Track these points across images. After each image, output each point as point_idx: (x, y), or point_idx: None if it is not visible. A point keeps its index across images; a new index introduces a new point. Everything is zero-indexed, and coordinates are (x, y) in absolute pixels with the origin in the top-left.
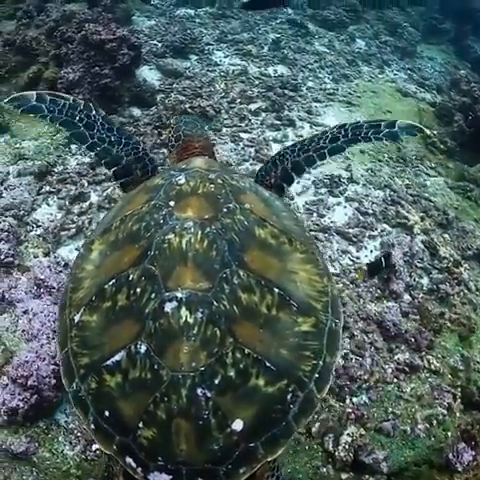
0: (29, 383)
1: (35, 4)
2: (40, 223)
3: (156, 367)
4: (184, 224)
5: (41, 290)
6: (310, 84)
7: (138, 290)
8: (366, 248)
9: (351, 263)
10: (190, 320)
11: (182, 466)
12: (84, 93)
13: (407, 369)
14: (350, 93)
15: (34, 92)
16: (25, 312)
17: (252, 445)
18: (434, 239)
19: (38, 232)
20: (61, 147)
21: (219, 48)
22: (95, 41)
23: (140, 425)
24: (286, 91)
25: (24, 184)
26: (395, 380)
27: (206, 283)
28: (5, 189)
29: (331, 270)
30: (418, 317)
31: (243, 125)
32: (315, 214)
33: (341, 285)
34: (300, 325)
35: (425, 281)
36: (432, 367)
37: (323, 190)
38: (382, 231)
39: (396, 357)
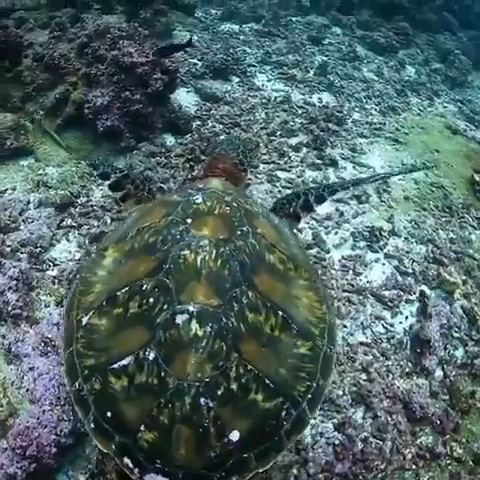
0: (28, 452)
1: (70, 14)
2: (57, 262)
3: (163, 374)
4: (200, 242)
5: (48, 348)
6: (356, 116)
7: (151, 300)
8: (402, 313)
9: (384, 331)
10: (199, 333)
11: (179, 470)
12: (113, 119)
13: (428, 455)
14: (397, 128)
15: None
16: (31, 369)
17: (246, 456)
18: (474, 307)
19: (53, 273)
20: (86, 176)
21: (262, 70)
22: (126, 64)
23: (142, 428)
24: (330, 124)
25: (44, 216)
26: (414, 467)
27: (217, 300)
28: (23, 221)
29: (362, 339)
30: (448, 397)
31: (282, 162)
32: (351, 272)
33: (371, 357)
34: (299, 348)
35: (460, 353)
36: (454, 454)
37: (362, 244)
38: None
39: (418, 441)
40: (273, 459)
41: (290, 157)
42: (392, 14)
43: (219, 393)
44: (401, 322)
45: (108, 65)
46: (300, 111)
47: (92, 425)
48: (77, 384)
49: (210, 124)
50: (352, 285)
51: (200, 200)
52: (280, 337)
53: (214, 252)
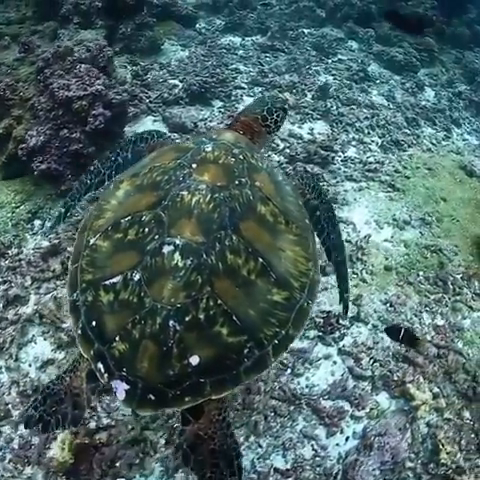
0: None
1: (52, 28)
2: None
3: (142, 294)
4: (198, 185)
5: None
6: (350, 152)
7: (146, 230)
8: (342, 432)
9: (311, 456)
10: (180, 264)
11: (140, 380)
12: (49, 161)
13: None
14: (397, 170)
15: (61, 209)
16: None
17: (202, 381)
18: (441, 432)
19: None
20: (22, 223)
21: (251, 93)
22: (61, 98)
23: (117, 338)
24: (310, 166)
25: None
26: None
27: (201, 238)
28: None
29: (278, 464)
30: None
31: None
32: (288, 371)
33: None
34: (273, 295)
35: None
36: None
37: (312, 333)
38: (373, 408)
39: None
40: (227, 390)
41: None
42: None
43: (187, 319)
44: (338, 444)
45: (47, 98)
46: (282, 145)
47: (79, 331)
48: (75, 295)
49: None
50: (284, 391)
51: (209, 149)
52: (256, 281)
53: (209, 196)
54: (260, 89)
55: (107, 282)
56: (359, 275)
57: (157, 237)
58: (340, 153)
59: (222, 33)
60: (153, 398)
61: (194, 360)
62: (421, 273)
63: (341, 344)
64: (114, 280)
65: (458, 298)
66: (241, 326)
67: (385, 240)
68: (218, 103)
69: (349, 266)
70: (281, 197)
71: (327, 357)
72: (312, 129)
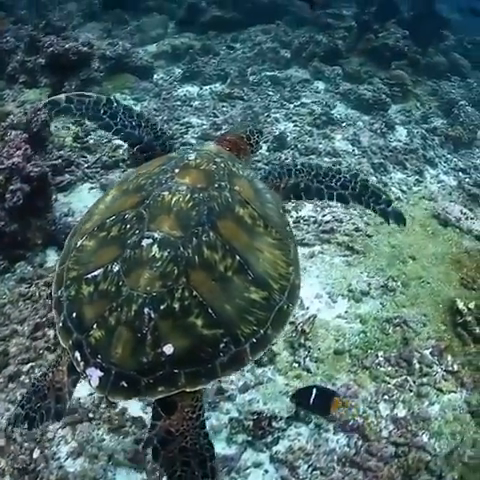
0: None
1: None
2: None
3: (120, 284)
4: (179, 187)
5: None
6: (304, 211)
7: (128, 226)
8: None
9: None
10: (157, 255)
11: (113, 367)
12: None
13: None
14: (358, 228)
15: (63, 95)
16: None
17: (176, 371)
18: None
19: None
20: None
21: None
22: None
23: (94, 326)
24: None
25: None
26: None
27: (179, 232)
28: None
29: None
30: None
31: None
32: None
33: None
34: (250, 293)
35: None
36: None
37: (240, 438)
38: None
39: None
40: (202, 384)
41: None
42: (389, 61)
43: (162, 307)
44: None
45: None
46: None
47: (60, 324)
48: (59, 292)
49: None
50: None
51: (192, 157)
52: (233, 278)
53: (188, 196)
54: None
55: (89, 276)
56: (301, 364)
57: (137, 232)
58: (292, 212)
59: (180, 83)
60: (126, 385)
61: (168, 349)
62: (380, 353)
63: (274, 450)
64: (95, 273)
65: (425, 380)
66: (216, 319)
67: (338, 316)
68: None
69: (291, 353)
70: (261, 203)
71: (257, 465)
72: None
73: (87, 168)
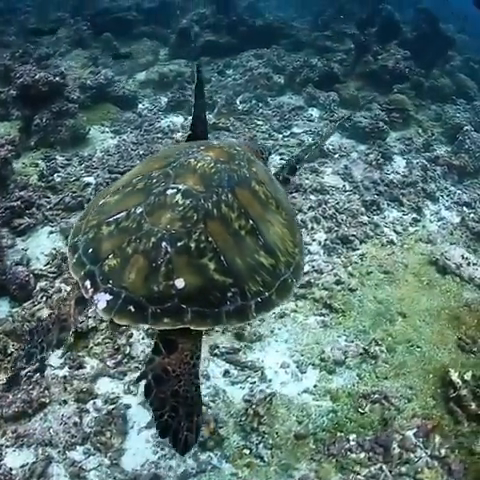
0: None
1: None
2: None
3: (142, 221)
4: (204, 157)
5: None
6: None
7: (154, 181)
8: None
9: None
10: (180, 201)
11: (124, 291)
12: None
13: None
14: (339, 280)
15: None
16: None
17: (184, 306)
18: None
19: None
20: None
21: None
22: None
23: (110, 256)
24: None
25: None
26: None
27: (202, 188)
28: None
29: None
30: None
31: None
32: None
33: None
34: (260, 256)
35: None
36: None
37: None
38: None
39: None
40: (207, 325)
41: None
42: (389, 84)
43: (178, 244)
44: None
45: None
46: None
47: (74, 260)
48: (76, 238)
49: (57, 285)
50: None
51: (216, 142)
52: (245, 238)
53: (212, 164)
54: None
55: (111, 219)
56: (253, 451)
57: (163, 184)
58: None
59: (165, 113)
60: (133, 310)
61: (179, 283)
62: (352, 437)
63: None
64: (118, 216)
65: (404, 469)
66: (227, 268)
67: (305, 391)
68: None
69: (241, 438)
70: (274, 188)
71: None
72: None
73: (48, 210)
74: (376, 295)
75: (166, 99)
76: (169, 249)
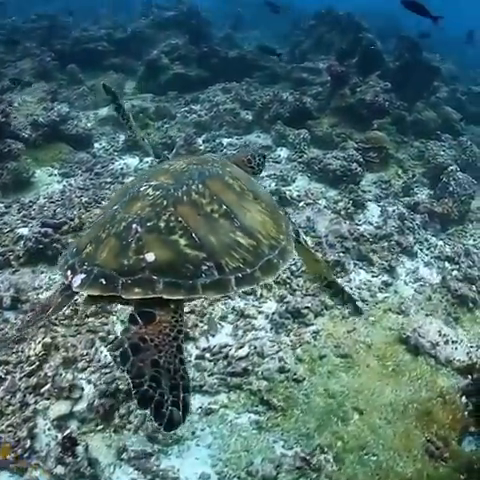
0: None
1: None
2: None
3: (116, 214)
4: (177, 162)
5: None
6: (216, 339)
7: (130, 186)
8: None
9: None
10: (150, 193)
11: (96, 267)
12: None
13: None
14: (283, 368)
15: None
16: None
17: (155, 277)
18: None
19: None
20: None
21: None
22: None
23: (87, 246)
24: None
25: None
26: None
27: (172, 181)
28: None
29: None
30: None
31: None
32: None
33: None
34: (236, 236)
35: None
36: None
37: None
38: None
39: None
40: (179, 295)
41: None
42: (367, 120)
43: (148, 224)
44: None
45: None
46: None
47: (62, 263)
48: (66, 256)
49: None
50: None
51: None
52: (218, 220)
53: (184, 166)
54: None
55: (96, 222)
56: None
57: (138, 185)
58: (199, 342)
59: (120, 154)
60: (104, 282)
61: (149, 257)
62: None
63: None
64: (101, 218)
65: None
66: (199, 244)
67: None
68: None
69: None
70: (251, 186)
71: None
72: None
73: None
74: (328, 386)
75: (125, 138)
76: (139, 229)
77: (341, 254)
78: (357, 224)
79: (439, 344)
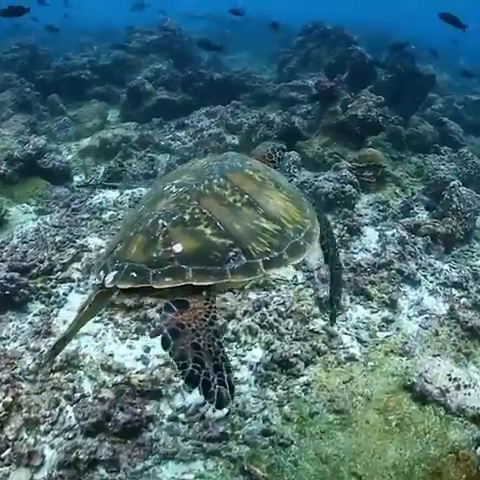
0: None
1: None
2: None
3: (142, 213)
4: (199, 161)
5: None
6: (180, 399)
7: (158, 186)
8: None
9: None
10: (174, 190)
11: (126, 263)
12: None
13: None
14: (269, 429)
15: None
16: None
17: (184, 266)
18: None
19: None
20: None
21: (82, 289)
22: None
23: (118, 245)
24: None
25: None
26: None
27: (194, 179)
28: None
29: None
30: None
31: None
32: None
33: None
34: (261, 222)
35: None
36: None
37: None
38: None
39: None
40: (210, 281)
41: None
42: (361, 137)
43: (174, 218)
44: None
45: None
46: None
47: (96, 267)
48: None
49: None
50: None
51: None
52: (242, 208)
53: (205, 164)
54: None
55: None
56: None
57: (161, 186)
58: (173, 401)
59: (102, 186)
60: (135, 275)
61: (177, 248)
62: None
63: None
64: (130, 220)
65: None
66: (225, 231)
67: None
68: (36, 307)
69: None
70: (273, 176)
71: None
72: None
73: None
74: (320, 450)
75: (104, 169)
76: (165, 223)
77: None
78: (353, 252)
79: (449, 390)
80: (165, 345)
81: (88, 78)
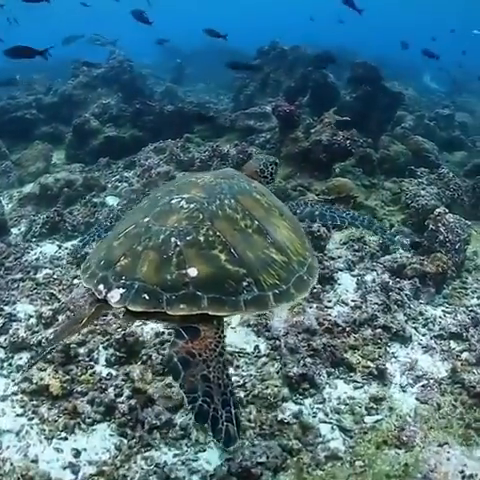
0: None
1: None
2: None
3: (150, 225)
4: (204, 176)
5: None
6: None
7: (159, 197)
8: None
9: None
10: (185, 206)
11: (137, 282)
12: None
13: None
14: None
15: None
16: None
17: (199, 293)
18: None
19: None
20: None
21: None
22: None
23: (122, 259)
24: None
25: None
26: None
27: (205, 195)
28: None
29: None
30: None
31: None
32: None
33: None
34: (271, 253)
35: None
36: None
37: None
38: None
39: None
40: (225, 311)
41: None
42: (327, 164)
43: (188, 238)
44: None
45: None
46: None
47: (86, 276)
48: (88, 263)
49: None
50: None
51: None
52: (253, 235)
53: (212, 179)
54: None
55: (121, 234)
56: None
57: (168, 197)
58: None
59: (38, 240)
60: (147, 297)
61: (192, 272)
62: None
63: None
64: (126, 230)
65: None
66: (239, 259)
67: None
68: None
69: None
70: (275, 202)
71: None
72: None
73: None
74: None
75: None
76: (179, 243)
77: (308, 361)
78: (327, 306)
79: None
80: (175, 375)
81: (33, 118)
